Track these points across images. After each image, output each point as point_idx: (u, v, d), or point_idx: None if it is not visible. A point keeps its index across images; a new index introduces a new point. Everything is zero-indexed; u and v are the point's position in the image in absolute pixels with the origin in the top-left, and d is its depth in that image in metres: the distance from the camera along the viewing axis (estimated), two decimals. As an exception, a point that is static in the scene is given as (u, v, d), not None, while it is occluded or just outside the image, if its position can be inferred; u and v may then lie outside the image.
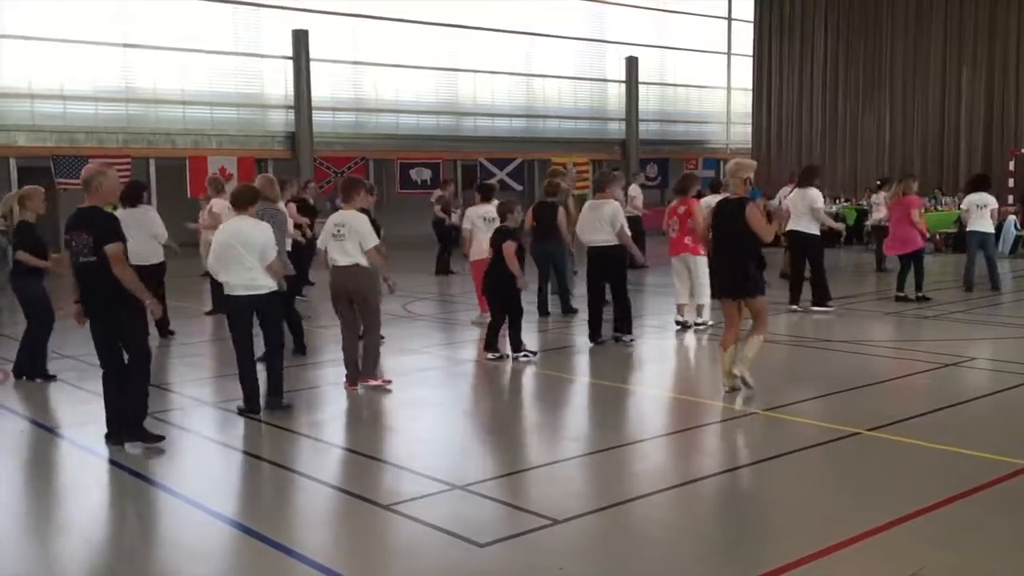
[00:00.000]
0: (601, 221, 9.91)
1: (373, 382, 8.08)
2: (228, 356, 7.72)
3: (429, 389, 8.44)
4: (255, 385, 7.29)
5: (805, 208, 11.96)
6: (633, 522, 5.08)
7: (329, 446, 6.74)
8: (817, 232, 12.12)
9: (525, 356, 9.27)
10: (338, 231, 7.94)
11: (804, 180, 12.40)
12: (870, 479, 5.67)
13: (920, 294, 12.61)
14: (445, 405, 7.99)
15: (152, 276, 9.46)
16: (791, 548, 4.54)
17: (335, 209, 8.44)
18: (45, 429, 7.24)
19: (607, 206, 9.94)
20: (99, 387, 6.64)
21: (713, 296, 8.16)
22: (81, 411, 7.48)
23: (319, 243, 8.29)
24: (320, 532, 5.07)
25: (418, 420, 7.42)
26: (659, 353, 10.11)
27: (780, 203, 14.25)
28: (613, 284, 10.08)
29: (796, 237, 12.05)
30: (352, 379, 8.14)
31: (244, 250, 7.03)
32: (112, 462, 6.25)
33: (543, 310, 11.92)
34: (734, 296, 7.69)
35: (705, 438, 6.78)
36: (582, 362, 9.51)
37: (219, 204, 12.26)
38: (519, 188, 27.64)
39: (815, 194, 12.10)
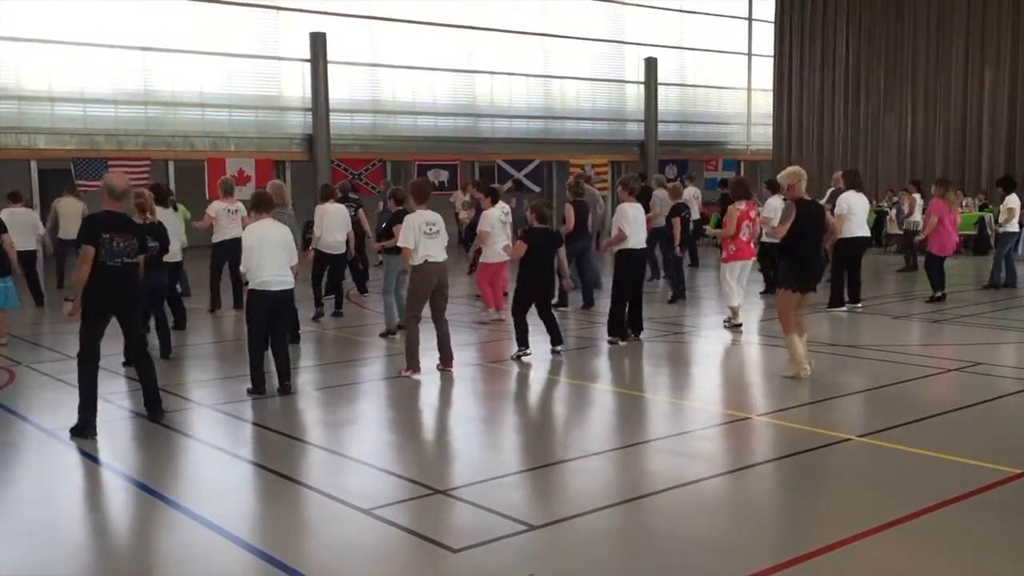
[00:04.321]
0: None
1: None
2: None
3: (424, 389, 8.46)
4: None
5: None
6: (612, 527, 5.05)
7: (310, 447, 6.75)
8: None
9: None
10: None
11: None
12: (856, 486, 5.62)
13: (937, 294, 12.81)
14: (436, 407, 7.99)
15: None
16: (766, 556, 4.51)
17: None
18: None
19: None
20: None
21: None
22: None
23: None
24: (293, 535, 5.07)
25: (407, 422, 7.43)
26: (661, 357, 10.06)
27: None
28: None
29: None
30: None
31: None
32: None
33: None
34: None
35: (696, 443, 6.72)
36: (579, 365, 9.46)
37: (215, 206, 12.94)
38: (537, 189, 27.64)
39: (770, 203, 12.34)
